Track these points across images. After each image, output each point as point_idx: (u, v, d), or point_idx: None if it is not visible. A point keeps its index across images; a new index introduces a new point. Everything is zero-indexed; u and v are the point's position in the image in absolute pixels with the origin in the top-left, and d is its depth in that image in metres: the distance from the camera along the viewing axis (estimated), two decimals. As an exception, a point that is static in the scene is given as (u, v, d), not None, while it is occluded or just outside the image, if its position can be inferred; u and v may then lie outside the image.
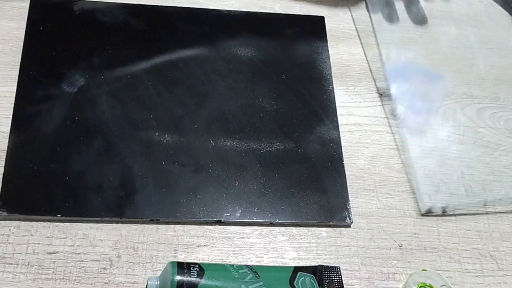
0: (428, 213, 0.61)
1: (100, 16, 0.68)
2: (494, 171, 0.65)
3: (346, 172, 0.63)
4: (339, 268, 0.55)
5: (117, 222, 0.56)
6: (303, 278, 0.52)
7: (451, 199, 0.62)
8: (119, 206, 0.56)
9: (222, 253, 0.56)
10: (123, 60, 0.65)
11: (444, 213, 0.62)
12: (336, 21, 0.74)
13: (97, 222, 0.56)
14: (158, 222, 0.57)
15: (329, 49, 0.71)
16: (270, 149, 0.63)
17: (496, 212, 0.63)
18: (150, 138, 0.61)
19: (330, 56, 0.71)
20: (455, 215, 0.62)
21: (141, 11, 0.70)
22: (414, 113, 0.67)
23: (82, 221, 0.56)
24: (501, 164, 0.66)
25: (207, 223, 0.58)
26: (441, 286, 0.56)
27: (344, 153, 0.64)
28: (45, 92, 0.62)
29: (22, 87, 0.62)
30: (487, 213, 0.63)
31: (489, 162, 0.66)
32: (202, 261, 0.55)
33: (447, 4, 0.79)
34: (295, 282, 0.52)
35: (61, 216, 0.55)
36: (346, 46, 0.73)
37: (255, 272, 0.52)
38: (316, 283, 0.52)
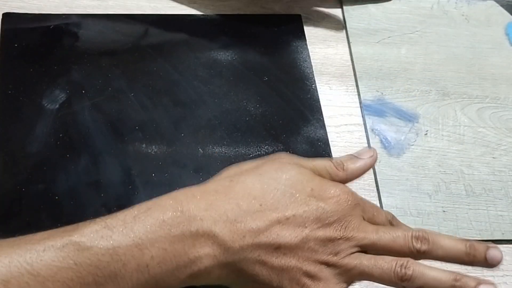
0: None
1: (75, 29, 0.67)
2: (494, 171, 0.65)
3: (346, 172, 0.63)
4: None
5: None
6: None
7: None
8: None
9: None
10: (102, 73, 0.64)
11: None
12: (336, 21, 0.74)
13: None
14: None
15: (329, 49, 0.72)
16: (259, 152, 0.62)
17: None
18: (137, 150, 0.59)
19: (330, 56, 0.71)
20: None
21: (118, 22, 0.68)
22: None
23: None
24: (501, 164, 0.66)
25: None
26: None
27: (344, 153, 0.64)
28: (26, 110, 0.60)
29: (2, 107, 0.60)
30: None
31: (489, 162, 0.66)
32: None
33: (447, 3, 0.79)
34: None
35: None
36: (345, 47, 0.73)
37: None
38: None
